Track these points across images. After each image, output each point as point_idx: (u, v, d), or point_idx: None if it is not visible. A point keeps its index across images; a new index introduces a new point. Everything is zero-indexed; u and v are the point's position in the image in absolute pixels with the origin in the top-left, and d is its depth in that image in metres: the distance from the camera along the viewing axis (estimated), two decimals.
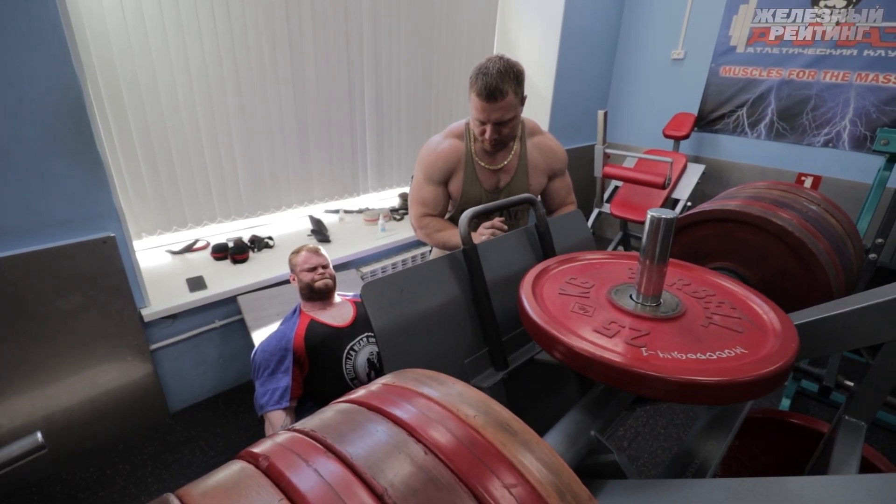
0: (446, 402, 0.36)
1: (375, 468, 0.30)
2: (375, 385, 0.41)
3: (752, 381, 0.55)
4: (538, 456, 0.33)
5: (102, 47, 1.78)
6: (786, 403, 2.20)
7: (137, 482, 1.79)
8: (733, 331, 0.66)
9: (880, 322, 0.72)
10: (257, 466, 0.31)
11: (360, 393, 0.40)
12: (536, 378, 0.90)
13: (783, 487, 0.48)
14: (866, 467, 0.88)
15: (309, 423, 0.36)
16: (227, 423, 2.09)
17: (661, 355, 0.60)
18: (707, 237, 0.99)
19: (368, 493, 0.28)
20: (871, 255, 1.98)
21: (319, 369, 1.64)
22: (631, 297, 0.73)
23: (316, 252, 1.80)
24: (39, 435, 0.54)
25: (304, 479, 0.29)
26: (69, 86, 1.48)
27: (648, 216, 0.65)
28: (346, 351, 1.64)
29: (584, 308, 0.72)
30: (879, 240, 1.95)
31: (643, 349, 0.61)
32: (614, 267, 0.86)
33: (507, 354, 0.84)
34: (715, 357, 0.60)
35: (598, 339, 0.64)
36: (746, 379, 0.55)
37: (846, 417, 0.80)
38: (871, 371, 0.76)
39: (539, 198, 1.59)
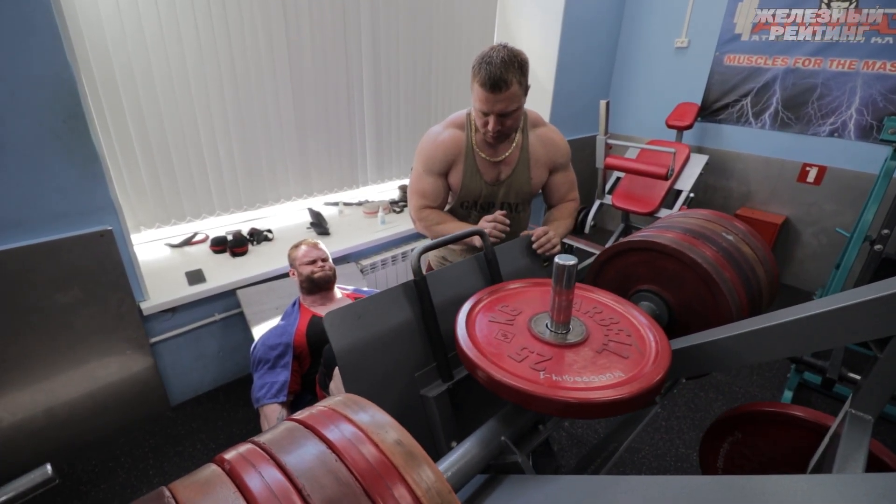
0: (362, 423, 0.47)
1: (300, 472, 0.41)
2: (316, 407, 0.52)
3: (619, 400, 0.65)
4: (417, 463, 0.44)
5: (96, 37, 1.75)
6: (788, 396, 2.19)
7: (139, 474, 1.80)
8: (620, 356, 0.76)
9: (828, 329, 0.75)
10: (223, 469, 0.42)
11: (304, 414, 0.51)
12: (479, 387, 1.00)
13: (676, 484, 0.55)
14: (873, 462, 0.87)
15: (264, 436, 0.47)
16: (227, 416, 2.09)
17: (554, 378, 0.70)
18: (636, 263, 1.11)
19: (294, 490, 0.39)
20: (877, 247, 1.96)
21: (319, 364, 1.63)
22: (546, 325, 0.83)
23: (315, 246, 1.79)
24: (49, 467, 0.56)
25: (252, 480, 0.40)
26: (63, 77, 1.46)
27: (555, 263, 0.76)
28: None
29: (506, 335, 0.82)
30: (885, 231, 1.93)
31: (541, 373, 0.71)
32: (543, 295, 0.96)
33: (452, 368, 0.94)
34: (596, 381, 0.69)
35: (508, 364, 0.74)
36: (614, 398, 0.65)
37: (852, 411, 0.79)
38: (879, 364, 0.74)
39: (541, 191, 1.56)
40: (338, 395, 0.54)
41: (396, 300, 0.92)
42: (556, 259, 0.76)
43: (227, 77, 2.10)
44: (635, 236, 1.13)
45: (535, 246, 1.26)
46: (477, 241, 1.25)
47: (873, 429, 0.76)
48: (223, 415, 2.10)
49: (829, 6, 2.80)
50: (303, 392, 1.65)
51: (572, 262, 0.75)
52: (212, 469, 0.43)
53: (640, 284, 1.12)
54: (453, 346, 0.93)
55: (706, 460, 1.19)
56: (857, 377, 0.89)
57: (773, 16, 3.01)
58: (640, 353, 0.77)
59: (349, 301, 1.80)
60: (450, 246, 1.53)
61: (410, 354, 0.92)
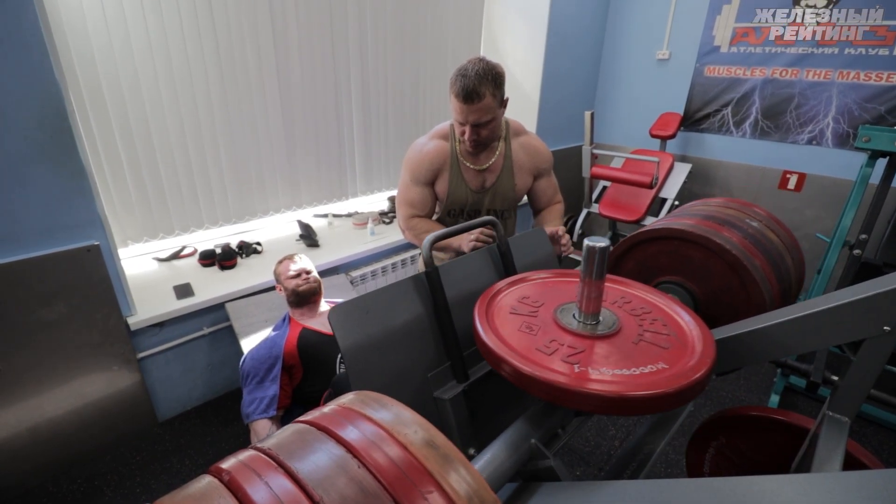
0: (383, 421, 0.42)
1: (316, 481, 0.36)
2: (329, 407, 0.47)
3: (665, 395, 0.60)
4: (454, 467, 0.39)
5: (84, 49, 1.75)
6: (774, 399, 2.22)
7: (126, 493, 1.76)
8: (660, 347, 0.71)
9: (804, 332, 0.76)
10: (221, 480, 0.37)
11: (314, 414, 0.45)
12: (496, 389, 0.93)
13: (712, 487, 0.51)
14: (851, 463, 0.89)
15: (268, 441, 0.42)
16: (216, 432, 2.07)
17: (591, 372, 0.65)
18: (658, 254, 1.06)
19: (309, 501, 0.34)
20: (856, 251, 2.01)
21: (313, 377, 1.63)
22: (574, 315, 0.78)
23: (299, 260, 1.80)
24: None
25: (257, 492, 0.35)
26: (50, 92, 1.46)
27: (585, 245, 0.71)
28: (339, 358, 1.63)
29: (531, 327, 0.77)
30: (863, 236, 1.98)
31: (576, 366, 0.66)
32: (565, 286, 0.91)
33: (467, 367, 0.89)
34: (638, 372, 0.65)
35: (538, 357, 0.69)
36: (660, 392, 0.60)
37: (829, 413, 0.81)
38: (853, 367, 0.76)
39: (526, 197, 1.59)
40: (350, 393, 0.48)
41: (406, 294, 0.86)
42: (586, 241, 0.71)
43: (215, 89, 2.11)
44: (655, 225, 1.06)
45: (562, 244, 1.27)
46: (466, 243, 1.28)
47: (854, 429, 0.78)
48: (212, 430, 2.08)
49: (803, 19, 2.89)
50: (293, 407, 1.64)
51: (604, 244, 0.70)
52: (207, 481, 0.37)
53: (663, 276, 1.06)
54: (467, 343, 0.89)
55: (692, 465, 1.20)
56: (837, 379, 0.91)
57: (751, 28, 3.09)
58: (680, 343, 0.72)
59: None
60: (438, 255, 1.55)
61: (422, 353, 0.86)
